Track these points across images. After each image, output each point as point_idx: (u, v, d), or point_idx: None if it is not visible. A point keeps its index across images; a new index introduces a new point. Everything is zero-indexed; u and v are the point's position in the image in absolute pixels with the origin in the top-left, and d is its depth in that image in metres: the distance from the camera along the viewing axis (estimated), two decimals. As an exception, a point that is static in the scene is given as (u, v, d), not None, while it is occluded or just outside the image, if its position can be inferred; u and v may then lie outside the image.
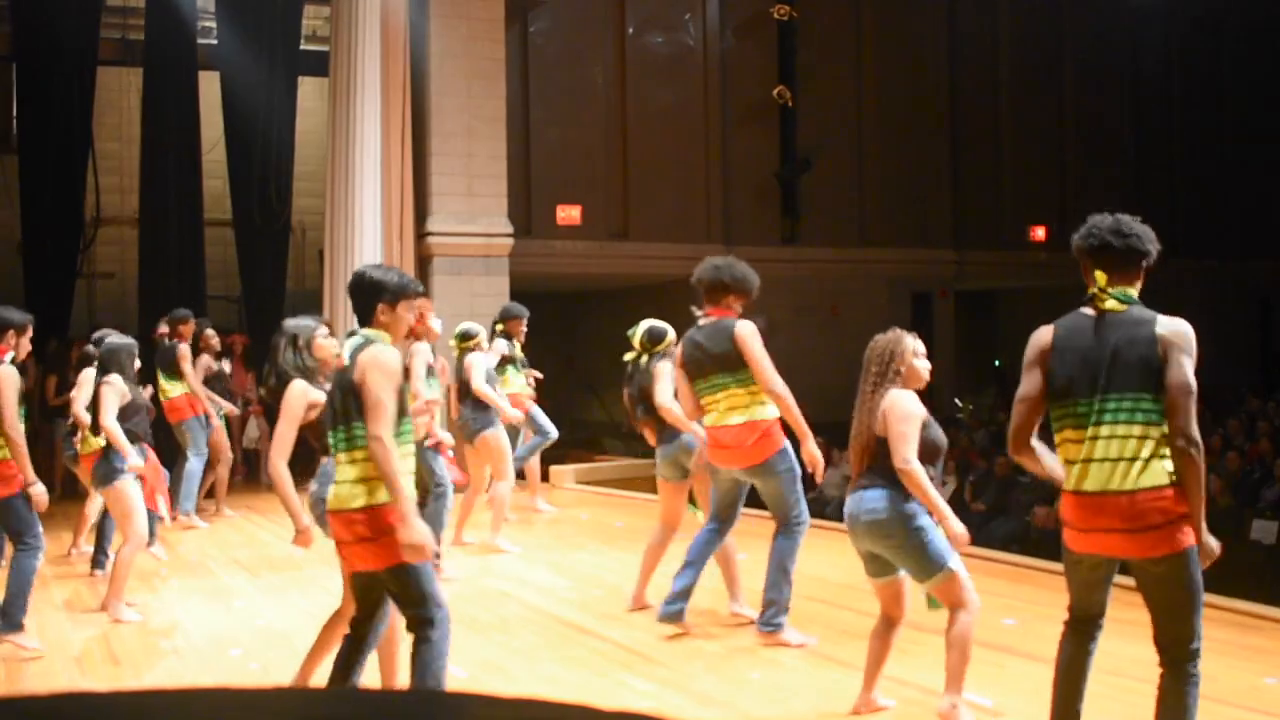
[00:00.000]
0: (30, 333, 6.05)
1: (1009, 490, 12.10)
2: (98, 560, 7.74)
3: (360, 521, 3.90)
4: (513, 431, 9.24)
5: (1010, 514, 11.91)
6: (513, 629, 6.02)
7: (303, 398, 4.63)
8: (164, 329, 9.65)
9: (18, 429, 5.66)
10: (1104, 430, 3.47)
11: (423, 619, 3.95)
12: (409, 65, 12.00)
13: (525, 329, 9.31)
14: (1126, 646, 4.29)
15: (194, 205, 13.62)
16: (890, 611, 4.37)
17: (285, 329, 4.91)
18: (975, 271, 18.53)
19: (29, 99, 13.09)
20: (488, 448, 8.12)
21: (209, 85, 13.86)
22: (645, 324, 6.42)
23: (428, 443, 7.27)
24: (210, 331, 10.23)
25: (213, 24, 14.09)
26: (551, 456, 10.87)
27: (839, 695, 4.62)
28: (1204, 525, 3.40)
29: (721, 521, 5.74)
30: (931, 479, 4.17)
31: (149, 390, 7.19)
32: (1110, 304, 3.52)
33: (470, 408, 8.14)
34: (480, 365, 8.18)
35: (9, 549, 6.00)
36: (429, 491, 7.41)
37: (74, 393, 7.32)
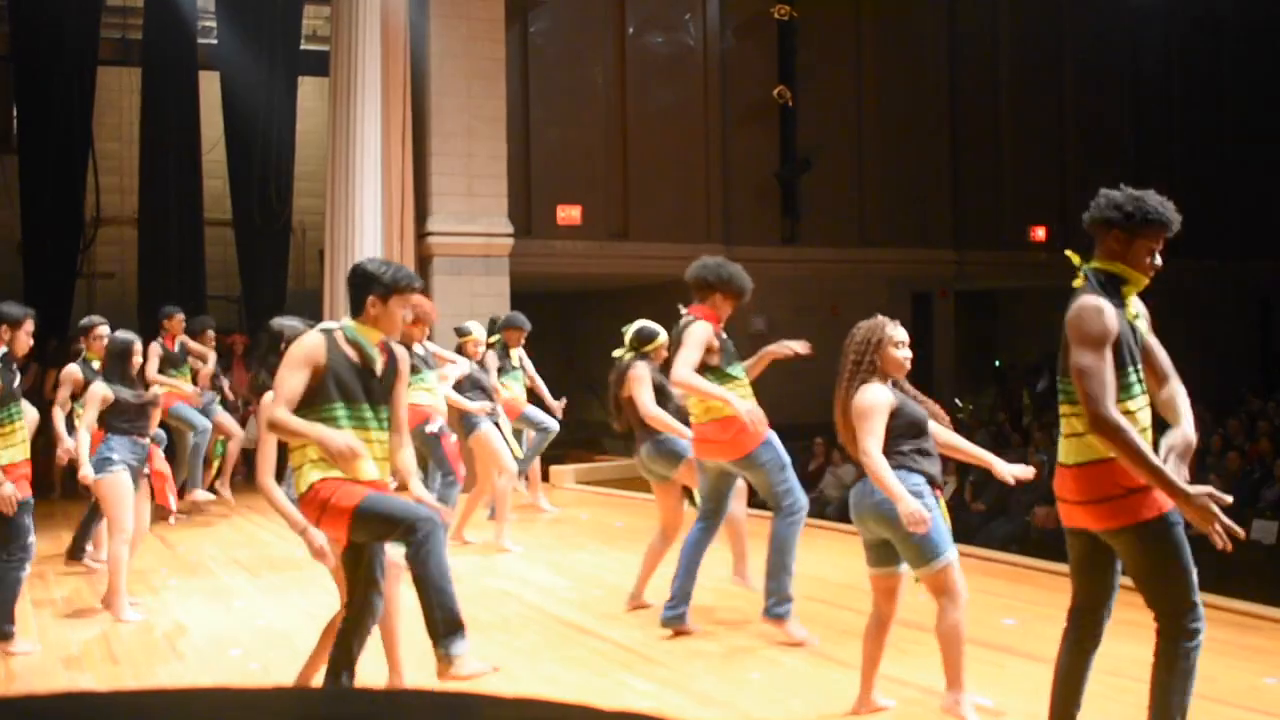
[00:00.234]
0: (29, 326, 5.86)
1: (1009, 490, 12.07)
2: (75, 552, 7.77)
3: (310, 501, 4.09)
4: (515, 434, 9.26)
5: (1010, 514, 11.92)
6: (513, 629, 6.02)
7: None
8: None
9: None
10: (1061, 409, 3.56)
11: (409, 528, 4.02)
12: (409, 65, 12.00)
13: (524, 340, 9.32)
14: (1126, 647, 4.28)
15: (194, 205, 13.64)
16: (882, 607, 4.37)
17: (272, 328, 4.91)
18: (975, 271, 18.52)
19: (29, 99, 13.10)
20: (480, 445, 8.16)
21: (209, 85, 13.87)
22: (638, 323, 6.36)
23: (428, 429, 7.31)
24: (210, 334, 10.17)
25: (213, 24, 14.10)
26: (551, 456, 10.87)
27: (839, 695, 4.62)
28: (1177, 486, 3.29)
29: (708, 517, 5.74)
30: (924, 452, 4.22)
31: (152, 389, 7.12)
32: (1077, 281, 3.52)
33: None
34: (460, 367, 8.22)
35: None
36: (427, 474, 7.43)
37: (59, 393, 7.32)
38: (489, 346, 9.03)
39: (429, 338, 7.69)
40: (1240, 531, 3.30)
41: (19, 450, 5.67)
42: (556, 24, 15.51)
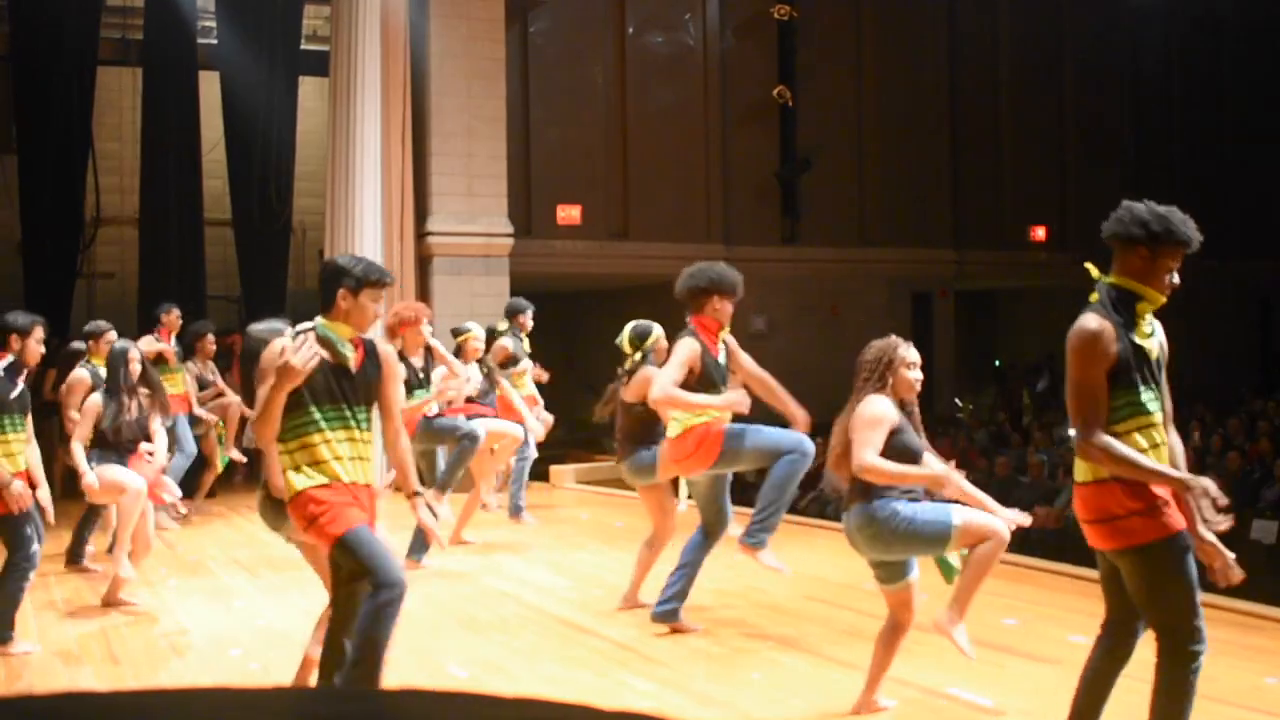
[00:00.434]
0: (39, 334, 5.78)
1: (1009, 490, 12.07)
2: (74, 556, 7.76)
3: (299, 508, 4.06)
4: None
5: (1010, 514, 11.89)
6: (513, 629, 6.02)
7: None
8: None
9: None
10: (1069, 429, 3.59)
11: (375, 583, 4.00)
12: (409, 65, 12.00)
13: (530, 322, 9.22)
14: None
15: (194, 205, 13.64)
16: (899, 617, 4.35)
17: (251, 335, 4.88)
18: (975, 271, 18.53)
19: (29, 99, 13.09)
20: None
21: (209, 85, 13.87)
22: (632, 325, 6.27)
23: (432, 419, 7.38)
24: (210, 338, 10.05)
25: (213, 24, 14.10)
26: (551, 456, 10.88)
27: (839, 695, 4.62)
28: (1175, 477, 3.32)
29: (708, 524, 5.72)
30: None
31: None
32: (1093, 295, 3.51)
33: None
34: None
35: None
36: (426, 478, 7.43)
37: (66, 400, 7.33)
38: (496, 336, 9.03)
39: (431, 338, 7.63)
40: (1236, 573, 3.38)
41: (15, 462, 5.64)
42: (556, 24, 15.51)
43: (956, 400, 18.40)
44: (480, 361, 8.54)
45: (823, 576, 6.92)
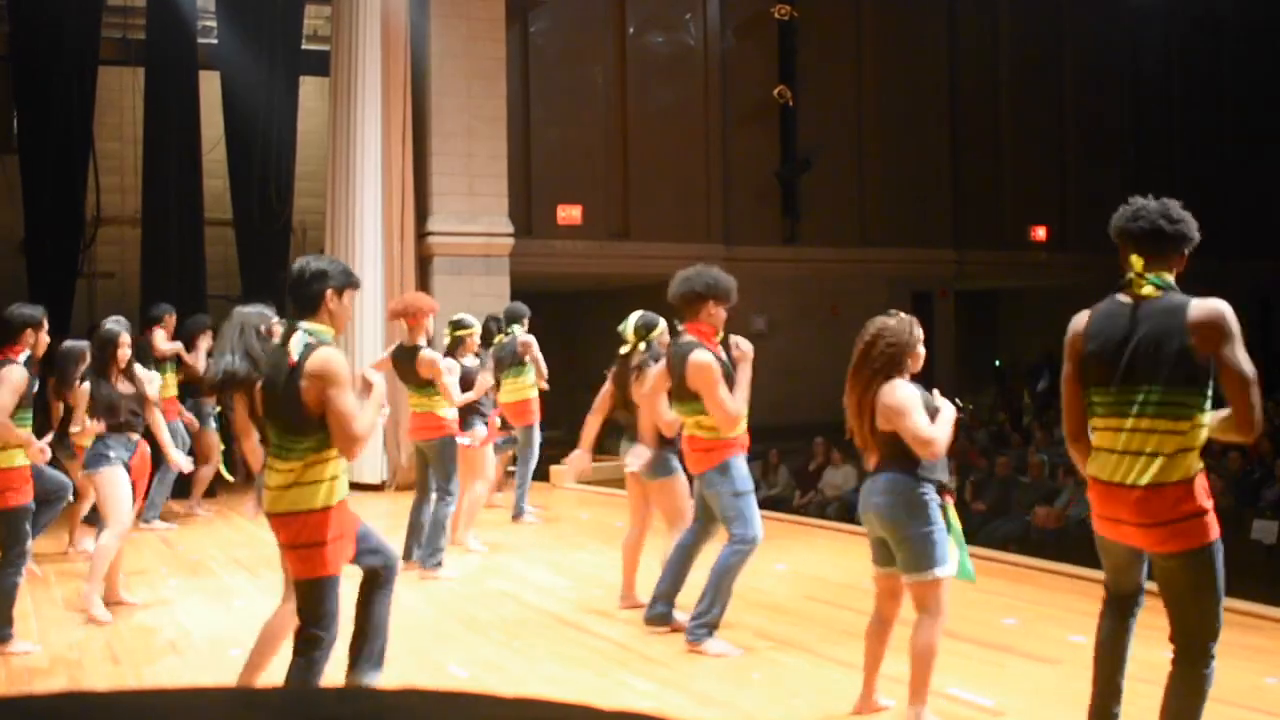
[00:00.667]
0: (45, 324, 5.98)
1: (1009, 490, 12.09)
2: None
3: (335, 518, 3.90)
4: (510, 440, 9.29)
5: (1010, 514, 11.90)
6: (513, 629, 6.02)
7: None
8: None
9: (8, 426, 5.59)
10: (1128, 423, 3.41)
11: (311, 636, 3.92)
12: (409, 65, 12.00)
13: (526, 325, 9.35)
14: (1139, 649, 4.28)
15: (194, 205, 13.62)
16: (885, 607, 4.35)
17: (237, 317, 4.73)
18: (975, 271, 18.54)
19: (29, 99, 13.08)
20: (470, 451, 8.15)
21: (209, 85, 13.86)
22: (637, 315, 6.28)
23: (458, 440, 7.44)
24: (209, 332, 10.04)
25: (213, 24, 14.09)
26: (552, 456, 10.88)
27: (839, 695, 4.62)
28: None
29: (701, 522, 5.71)
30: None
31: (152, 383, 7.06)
32: (1147, 289, 3.46)
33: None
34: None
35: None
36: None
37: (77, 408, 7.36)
38: (501, 333, 9.11)
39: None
40: None
41: (21, 454, 5.71)
42: (556, 24, 15.51)
43: (957, 400, 18.35)
44: (476, 355, 8.52)
45: (823, 576, 6.92)
